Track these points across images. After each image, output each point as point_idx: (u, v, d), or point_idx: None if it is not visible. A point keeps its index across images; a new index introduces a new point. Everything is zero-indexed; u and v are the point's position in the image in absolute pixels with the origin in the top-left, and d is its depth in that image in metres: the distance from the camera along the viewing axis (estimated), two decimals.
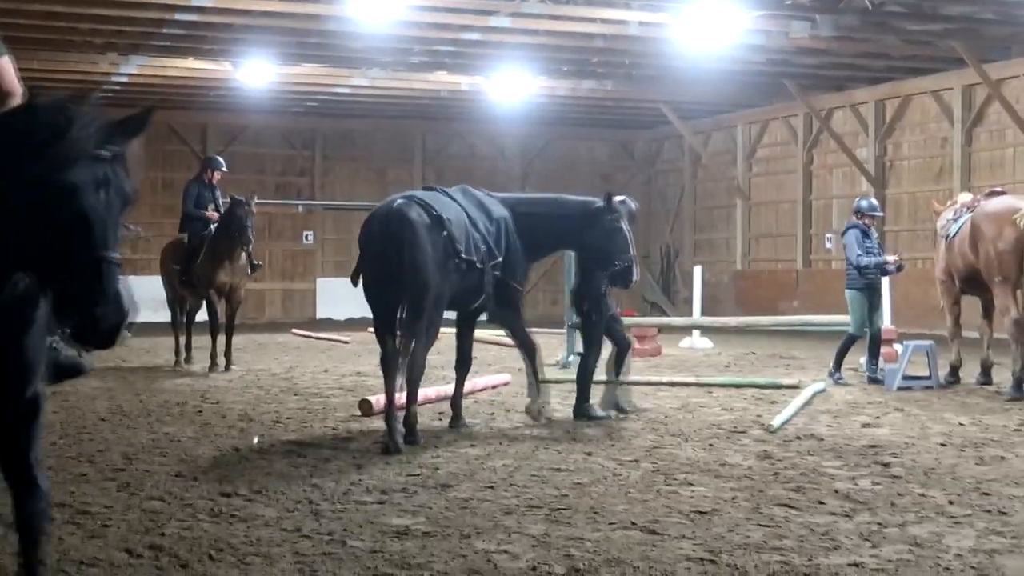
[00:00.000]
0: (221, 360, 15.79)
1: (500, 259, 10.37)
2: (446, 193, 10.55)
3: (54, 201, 3.98)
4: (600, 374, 11.43)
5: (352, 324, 29.44)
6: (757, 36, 21.62)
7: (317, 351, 20.24)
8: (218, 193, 16.62)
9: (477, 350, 20.20)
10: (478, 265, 10.18)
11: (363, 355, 19.21)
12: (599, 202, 10.82)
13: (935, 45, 23.10)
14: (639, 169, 35.99)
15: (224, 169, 16.87)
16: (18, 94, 4.94)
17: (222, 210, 16.20)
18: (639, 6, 20.14)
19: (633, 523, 6.63)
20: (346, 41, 22.41)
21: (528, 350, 11.00)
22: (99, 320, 3.99)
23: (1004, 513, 6.89)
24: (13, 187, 4.02)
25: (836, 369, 14.06)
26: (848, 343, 14.06)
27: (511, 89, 26.79)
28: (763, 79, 26.94)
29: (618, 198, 11.04)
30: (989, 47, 23.24)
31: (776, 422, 10.38)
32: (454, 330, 11.22)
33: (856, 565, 5.75)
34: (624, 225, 10.74)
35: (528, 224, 10.69)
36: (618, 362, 11.59)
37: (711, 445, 9.50)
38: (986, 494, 7.45)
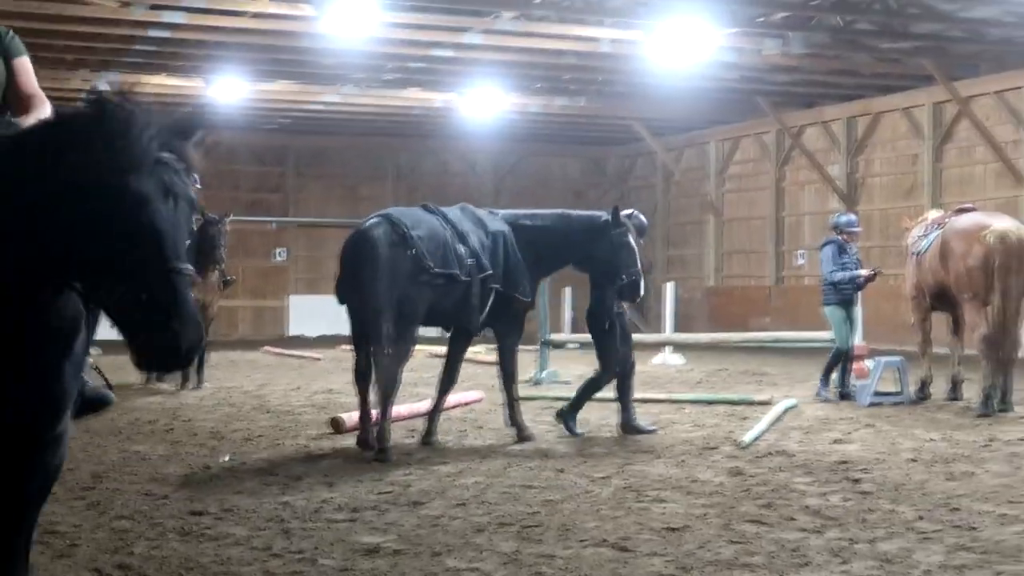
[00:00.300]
0: (193, 377, 15.71)
1: (490, 272, 10.43)
2: (433, 210, 10.62)
3: (120, 209, 3.70)
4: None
5: (324, 341, 29.33)
6: (729, 53, 21.73)
7: (289, 368, 20.18)
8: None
9: None
10: (463, 278, 10.22)
11: (335, 372, 19.16)
12: (606, 216, 10.90)
13: (905, 63, 23.28)
14: (611, 185, 36.06)
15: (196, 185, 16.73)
16: (42, 96, 4.76)
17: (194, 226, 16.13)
18: (611, 23, 20.22)
19: (604, 540, 6.63)
20: (319, 58, 22.41)
21: (506, 375, 10.95)
22: (174, 339, 3.67)
23: (973, 528, 6.92)
24: (74, 194, 3.74)
25: (824, 385, 14.07)
26: (836, 358, 14.06)
27: (484, 106, 26.83)
28: (735, 96, 27.07)
29: (626, 212, 11.16)
30: (958, 65, 23.44)
31: (747, 438, 10.40)
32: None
33: None
34: (631, 239, 10.82)
35: (534, 239, 10.81)
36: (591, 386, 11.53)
37: (682, 462, 9.51)
38: (955, 510, 7.49)
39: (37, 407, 4.06)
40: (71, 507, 7.64)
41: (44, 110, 4.79)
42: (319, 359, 21.99)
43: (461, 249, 10.31)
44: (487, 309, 10.54)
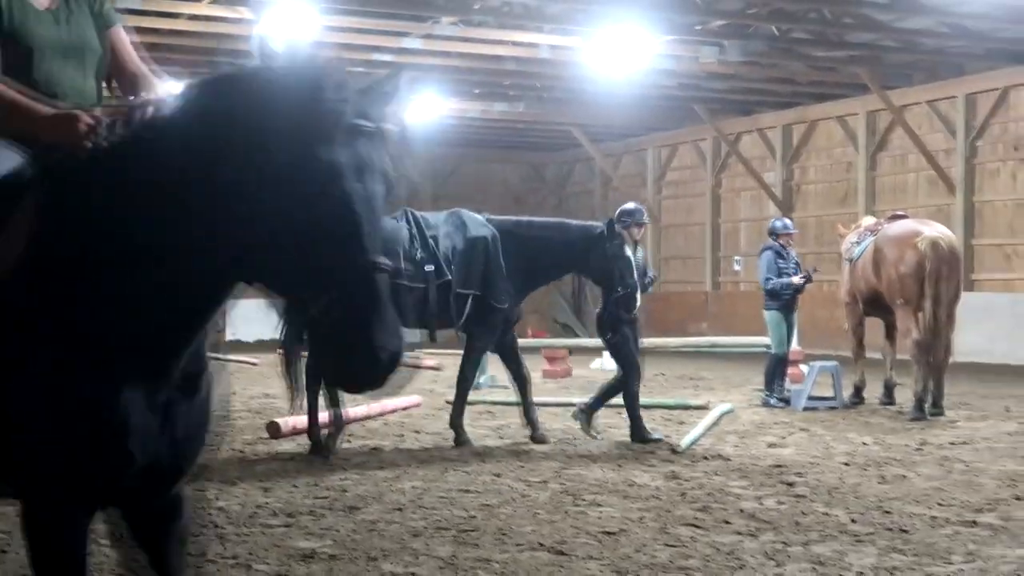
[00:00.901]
0: None
1: (448, 278, 10.52)
2: (408, 215, 10.81)
3: (305, 190, 2.95)
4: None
5: (262, 346, 29.15)
6: (667, 61, 21.87)
7: (225, 373, 19.99)
8: None
9: None
10: (411, 284, 10.36)
11: (272, 377, 18.99)
12: (601, 227, 10.91)
13: (840, 71, 23.55)
14: (550, 191, 36.16)
15: None
16: (148, 74, 3.99)
17: None
18: (551, 30, 20.27)
19: (541, 544, 6.64)
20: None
21: (460, 378, 11.06)
22: (376, 351, 2.94)
23: (905, 531, 7.01)
24: (247, 173, 3.02)
25: (769, 391, 14.13)
26: (775, 363, 14.13)
27: (423, 111, 26.78)
28: (673, 103, 27.24)
29: (628, 207, 11.34)
30: (892, 74, 23.76)
31: (684, 443, 10.46)
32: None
33: None
34: (627, 251, 10.86)
35: (530, 248, 10.85)
36: (611, 389, 11.53)
37: (619, 466, 9.55)
38: (888, 512, 7.57)
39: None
40: (1, 513, 7.51)
41: (155, 91, 3.93)
42: (256, 363, 21.83)
43: (419, 255, 10.41)
44: (464, 313, 10.60)
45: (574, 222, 11.56)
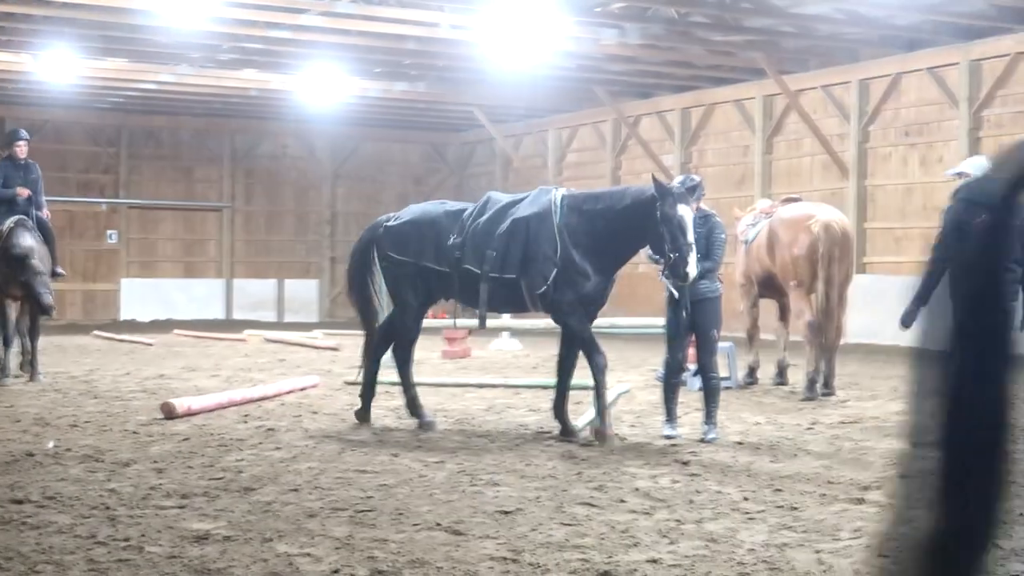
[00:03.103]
0: (28, 370, 14.71)
1: (470, 267, 10.23)
2: (452, 203, 10.99)
3: None
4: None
5: (157, 326, 28.80)
6: (568, 42, 21.95)
7: (119, 353, 19.71)
8: (35, 170, 14.93)
9: (286, 352, 20.05)
10: (440, 268, 10.38)
11: (167, 358, 18.82)
12: (651, 189, 9.87)
13: (737, 56, 23.82)
14: (451, 172, 36.14)
15: (26, 137, 15.38)
16: None
17: (40, 186, 15.00)
18: (451, 9, 20.21)
19: (438, 524, 6.65)
20: (153, 36, 21.88)
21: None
22: None
23: (795, 509, 7.14)
24: None
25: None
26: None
27: (322, 89, 26.58)
28: (573, 85, 27.34)
29: (679, 178, 10.45)
30: (788, 59, 24.09)
31: (581, 423, 10.52)
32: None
33: (654, 561, 5.88)
34: (679, 211, 9.66)
35: (600, 223, 10.01)
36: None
37: (517, 446, 9.59)
38: (779, 490, 7.71)
39: None
40: None
41: None
42: (151, 344, 21.54)
43: (452, 241, 10.33)
44: (499, 295, 10.28)
45: (634, 187, 10.51)
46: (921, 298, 9.67)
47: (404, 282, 10.68)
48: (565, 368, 10.48)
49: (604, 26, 21.29)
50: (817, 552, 6.06)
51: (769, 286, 13.99)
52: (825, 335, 13.19)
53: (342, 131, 34.08)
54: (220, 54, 24.19)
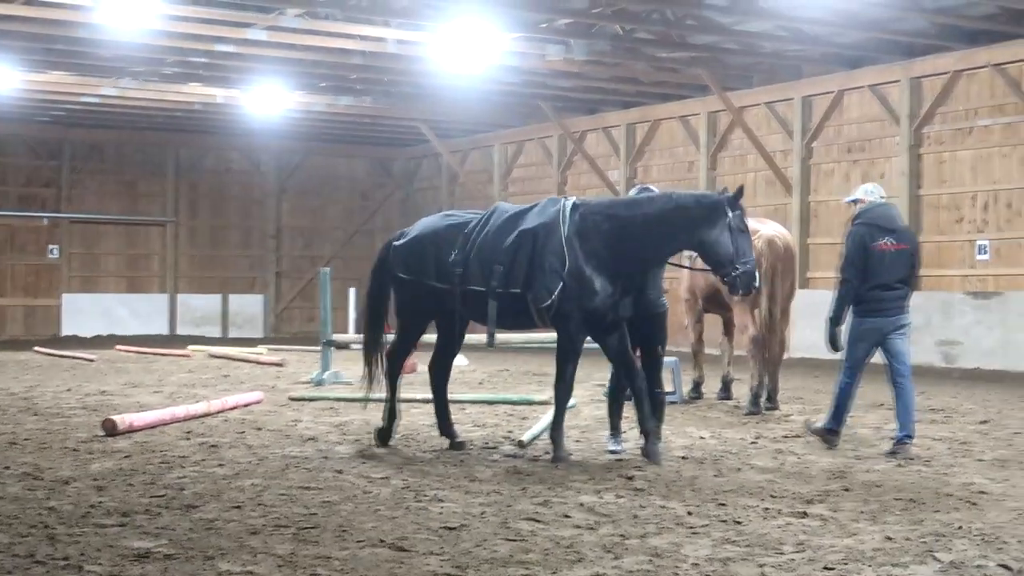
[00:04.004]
0: None
1: (468, 285, 9.92)
2: (460, 214, 10.52)
3: None
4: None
5: (99, 341, 28.51)
6: (513, 58, 22.00)
7: (60, 369, 19.48)
8: None
9: (230, 368, 19.91)
10: (439, 285, 10.07)
11: (109, 373, 18.64)
12: (720, 196, 9.70)
13: (682, 72, 23.98)
14: (397, 186, 36.10)
15: None
16: None
17: None
18: (397, 24, 20.20)
19: (381, 540, 6.62)
20: (95, 49, 21.71)
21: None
22: None
23: (739, 523, 7.17)
24: None
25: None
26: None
27: (267, 103, 26.47)
28: (519, 100, 27.41)
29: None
30: (732, 76, 24.29)
31: (526, 437, 10.52)
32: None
33: None
34: (747, 224, 9.76)
35: (632, 232, 9.65)
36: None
37: (462, 461, 9.57)
38: (722, 505, 7.74)
39: None
40: None
41: None
42: (93, 360, 21.31)
43: (453, 257, 9.98)
44: (507, 311, 9.90)
45: (684, 192, 10.33)
46: (837, 319, 10.22)
47: (411, 301, 10.43)
48: (622, 392, 10.28)
49: (550, 42, 21.37)
50: (760, 566, 6.09)
51: (713, 301, 14.07)
52: (769, 349, 13.29)
53: (287, 145, 33.97)
54: (164, 68, 24.03)
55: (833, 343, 10.31)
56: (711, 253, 9.61)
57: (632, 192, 10.68)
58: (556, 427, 9.80)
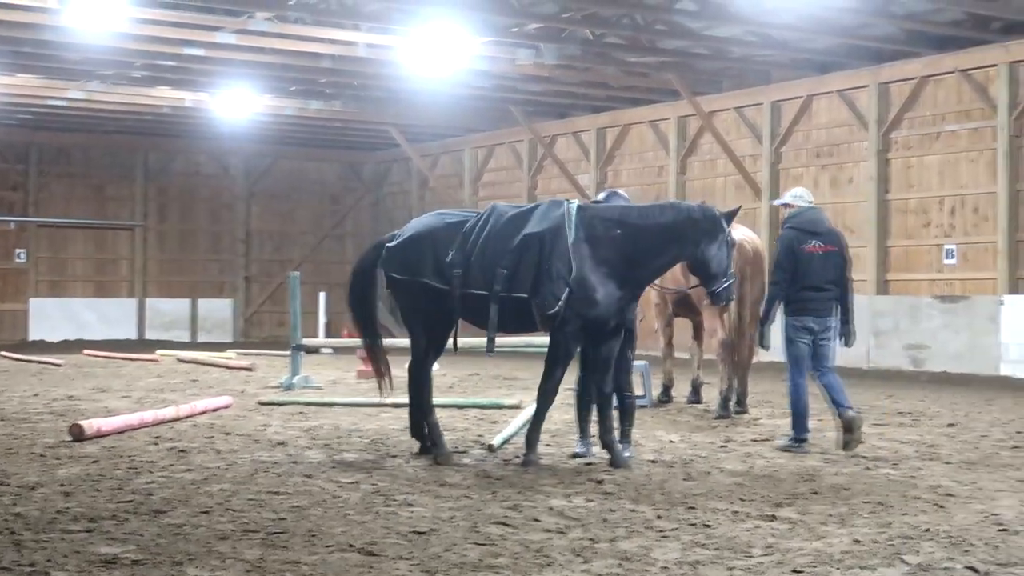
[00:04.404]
0: None
1: (467, 288, 9.76)
2: (460, 214, 10.28)
3: None
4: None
5: (67, 346, 28.34)
6: (484, 62, 22.01)
7: (27, 374, 19.35)
8: None
9: (199, 372, 19.83)
10: (438, 286, 9.85)
11: (77, 378, 18.53)
12: (718, 213, 9.79)
13: (652, 77, 24.06)
14: (367, 191, 36.05)
15: None
16: None
17: None
18: (368, 28, 20.18)
19: (351, 545, 6.59)
20: (63, 52, 21.61)
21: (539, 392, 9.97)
22: None
23: (708, 526, 7.18)
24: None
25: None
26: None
27: (237, 107, 26.39)
28: (490, 104, 27.43)
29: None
30: (702, 80, 24.38)
31: (496, 441, 10.52)
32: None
33: None
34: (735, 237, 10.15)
35: (641, 238, 9.65)
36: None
37: (432, 466, 9.55)
38: (692, 508, 7.76)
39: None
40: None
41: None
42: (60, 365, 21.18)
43: (450, 257, 9.79)
44: (509, 315, 9.76)
45: (686, 204, 10.33)
46: (766, 319, 10.67)
47: (411, 303, 10.18)
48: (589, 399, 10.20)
49: (520, 46, 21.39)
50: (729, 569, 6.10)
51: (683, 305, 14.11)
52: (738, 353, 13.34)
53: (257, 149, 33.87)
54: (133, 71, 23.92)
55: (762, 341, 10.82)
56: (709, 265, 9.66)
57: (600, 196, 10.69)
58: (534, 429, 9.77)
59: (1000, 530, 7.13)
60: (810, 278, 10.46)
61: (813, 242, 10.52)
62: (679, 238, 9.65)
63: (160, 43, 20.87)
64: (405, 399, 14.26)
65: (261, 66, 22.86)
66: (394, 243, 10.31)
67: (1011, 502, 8.09)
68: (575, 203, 9.93)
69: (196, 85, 25.33)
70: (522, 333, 10.56)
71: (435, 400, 13.50)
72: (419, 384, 10.24)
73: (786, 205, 10.99)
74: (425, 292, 9.99)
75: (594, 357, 9.90)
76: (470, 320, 10.11)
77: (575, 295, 9.50)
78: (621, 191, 10.75)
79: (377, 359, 10.75)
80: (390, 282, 10.32)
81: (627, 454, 9.87)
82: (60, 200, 32.28)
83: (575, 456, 10.04)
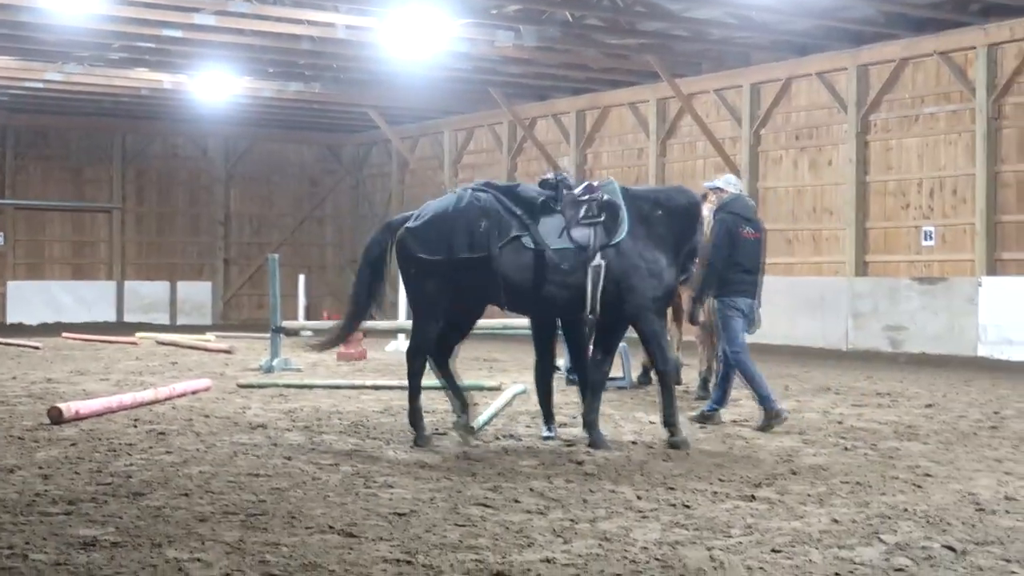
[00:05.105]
0: None
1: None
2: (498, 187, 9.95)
3: None
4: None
5: (45, 329, 28.23)
6: (463, 44, 21.95)
7: (6, 357, 19.25)
8: None
9: (178, 355, 19.77)
10: (470, 255, 9.55)
11: (55, 361, 18.46)
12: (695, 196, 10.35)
13: (632, 59, 24.02)
14: (347, 173, 35.96)
15: None
16: None
17: None
18: (347, 9, 20.10)
19: (331, 527, 6.59)
20: (40, 33, 21.44)
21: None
22: None
23: (687, 507, 7.21)
24: None
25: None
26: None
27: (215, 89, 26.27)
28: (469, 86, 27.36)
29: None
30: (681, 63, 24.36)
31: (477, 423, 10.51)
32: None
33: (548, 561, 5.89)
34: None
35: (661, 223, 9.90)
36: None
37: (412, 448, 9.55)
38: (671, 489, 7.78)
39: None
40: None
41: None
42: (39, 348, 21.09)
43: (484, 226, 9.58)
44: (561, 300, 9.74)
45: (669, 188, 10.73)
46: (699, 298, 11.16)
47: (435, 287, 9.74)
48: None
49: (499, 28, 21.33)
50: (709, 549, 6.12)
51: None
52: (717, 335, 13.33)
53: (235, 131, 33.74)
54: (111, 53, 23.77)
55: (692, 318, 11.62)
56: (699, 247, 10.18)
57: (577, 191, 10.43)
58: (670, 410, 9.76)
59: (977, 509, 7.17)
60: (743, 262, 10.91)
61: (747, 228, 10.96)
62: (694, 220, 10.10)
63: (138, 24, 20.74)
64: (384, 381, 14.31)
65: (240, 48, 22.75)
66: (416, 224, 9.82)
67: (988, 482, 8.14)
68: (613, 182, 10.10)
69: (175, 67, 25.19)
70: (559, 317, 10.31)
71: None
72: (422, 371, 10.05)
73: (718, 189, 11.41)
74: (457, 268, 9.61)
75: (614, 341, 10.03)
76: (508, 304, 9.90)
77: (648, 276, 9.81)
78: (594, 183, 10.71)
79: (349, 335, 10.83)
80: (415, 263, 9.77)
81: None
82: (38, 183, 32.12)
83: (545, 439, 10.03)
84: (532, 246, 9.58)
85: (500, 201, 9.72)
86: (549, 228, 9.66)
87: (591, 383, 9.97)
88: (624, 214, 9.71)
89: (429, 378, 10.23)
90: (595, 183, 10.07)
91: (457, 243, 9.60)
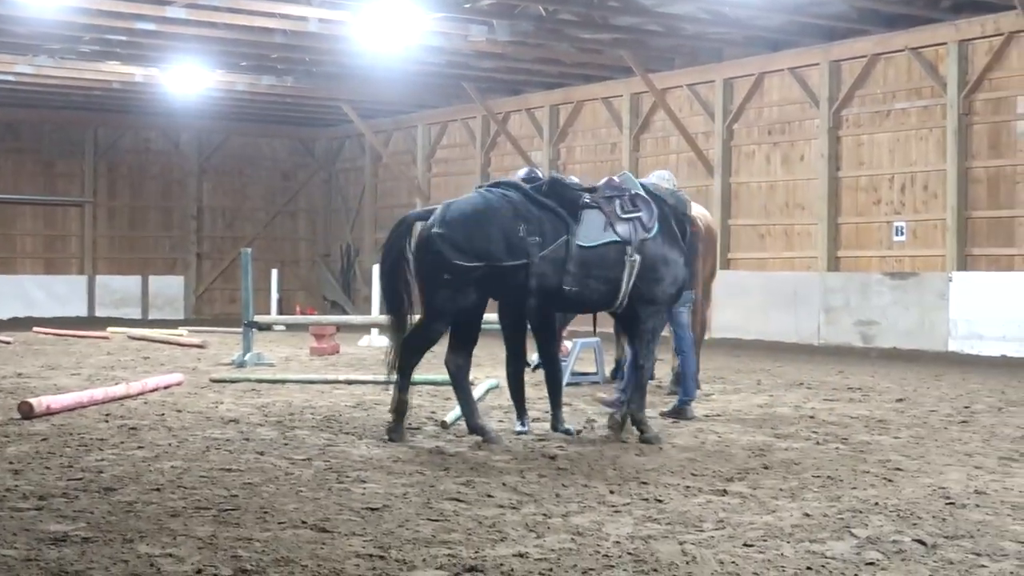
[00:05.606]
0: None
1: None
2: (513, 186, 9.71)
3: None
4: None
5: (16, 323, 28.07)
6: (436, 38, 21.92)
7: None
8: None
9: (150, 350, 19.69)
10: (510, 263, 9.41)
11: (26, 356, 18.35)
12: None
13: (605, 54, 24.05)
14: (320, 167, 35.88)
15: None
16: None
17: None
18: (319, 3, 20.04)
19: (303, 522, 6.58)
20: (10, 26, 21.30)
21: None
22: None
23: (660, 501, 7.23)
24: None
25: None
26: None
27: (187, 82, 26.16)
28: (442, 81, 27.33)
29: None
30: (655, 57, 24.41)
31: (450, 418, 10.52)
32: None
33: (521, 555, 5.90)
34: None
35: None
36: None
37: (385, 442, 9.55)
38: (644, 483, 7.80)
39: None
40: None
41: None
42: (9, 342, 20.97)
43: (522, 232, 9.42)
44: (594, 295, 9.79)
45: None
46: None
47: (463, 287, 9.54)
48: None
49: (473, 22, 21.32)
50: (681, 543, 6.14)
51: None
52: (691, 330, 13.37)
53: (208, 125, 33.61)
54: (82, 45, 23.64)
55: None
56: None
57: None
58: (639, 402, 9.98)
59: (948, 503, 7.22)
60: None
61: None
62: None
63: (110, 17, 20.62)
64: (357, 376, 14.29)
65: (212, 41, 22.65)
66: (443, 229, 9.48)
67: (958, 476, 8.19)
68: (628, 174, 10.29)
69: (146, 60, 25.07)
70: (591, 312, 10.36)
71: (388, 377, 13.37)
72: (412, 364, 9.98)
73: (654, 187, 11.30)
74: (490, 275, 9.47)
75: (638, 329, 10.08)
76: (545, 301, 9.72)
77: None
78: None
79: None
80: (450, 270, 9.49)
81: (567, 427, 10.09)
82: (8, 176, 31.91)
83: (518, 434, 10.03)
84: (583, 244, 9.54)
85: (537, 201, 9.56)
86: (592, 224, 9.64)
87: (636, 381, 9.98)
88: (655, 207, 9.84)
89: (418, 373, 10.17)
90: (615, 178, 10.09)
91: (496, 250, 9.37)
